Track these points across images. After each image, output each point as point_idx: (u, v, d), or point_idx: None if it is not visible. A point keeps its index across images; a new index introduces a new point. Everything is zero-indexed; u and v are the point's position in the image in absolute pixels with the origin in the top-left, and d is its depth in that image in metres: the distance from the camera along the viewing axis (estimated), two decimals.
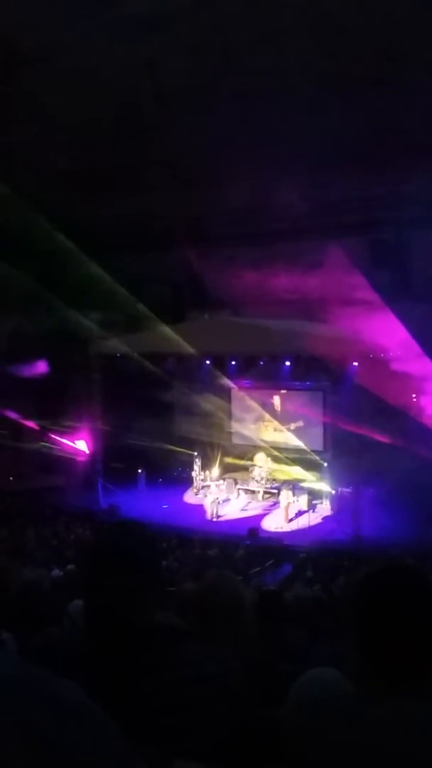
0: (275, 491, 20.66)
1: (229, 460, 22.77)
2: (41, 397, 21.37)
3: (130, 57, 14.44)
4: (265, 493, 21.04)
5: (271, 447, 21.90)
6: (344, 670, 1.67)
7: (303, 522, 19.03)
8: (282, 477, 21.20)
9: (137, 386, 21.34)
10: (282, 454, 21.53)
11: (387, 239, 20.29)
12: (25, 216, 17.11)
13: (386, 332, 17.49)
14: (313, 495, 20.01)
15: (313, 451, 21.08)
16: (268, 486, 21.11)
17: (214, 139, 16.95)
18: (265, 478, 21.21)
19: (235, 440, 23.24)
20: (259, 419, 22.66)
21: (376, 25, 13.56)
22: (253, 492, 21.34)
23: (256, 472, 21.43)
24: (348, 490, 19.13)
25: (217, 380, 21.96)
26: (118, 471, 21.62)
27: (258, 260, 20.59)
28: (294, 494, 19.68)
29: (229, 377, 21.87)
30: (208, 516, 19.96)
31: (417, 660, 1.54)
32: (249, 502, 21.12)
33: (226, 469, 22.59)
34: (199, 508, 20.67)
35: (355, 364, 18.37)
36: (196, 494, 22.14)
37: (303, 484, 20.43)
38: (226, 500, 21.06)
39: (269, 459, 21.60)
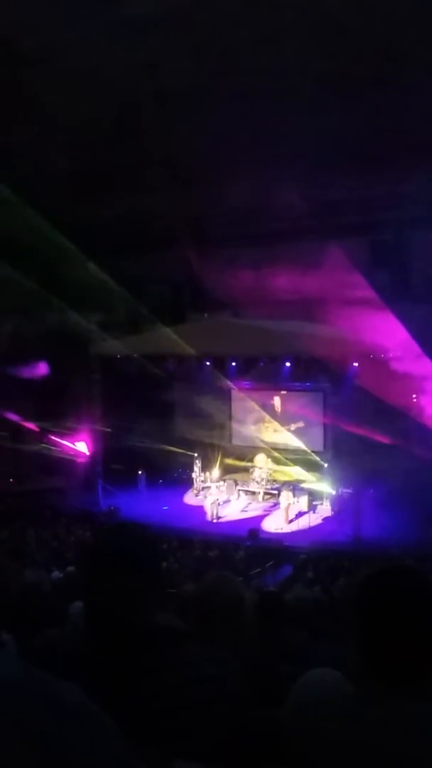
0: (275, 492, 20.66)
1: (229, 461, 22.77)
2: (41, 398, 21.37)
3: (130, 57, 14.45)
4: (266, 494, 21.04)
5: (272, 448, 21.91)
6: (344, 671, 1.66)
7: (303, 523, 19.03)
8: (282, 478, 21.20)
9: (137, 387, 21.34)
10: (282, 455, 21.53)
11: (387, 240, 20.30)
12: (25, 216, 17.12)
13: (386, 333, 17.49)
14: (314, 496, 20.00)
15: (314, 452, 21.09)
16: (269, 487, 21.10)
17: (214, 139, 16.95)
18: (265, 479, 21.21)
19: (236, 441, 23.25)
20: (260, 420, 22.67)
21: (376, 25, 13.55)
22: (253, 493, 21.35)
23: (257, 473, 21.44)
24: (348, 491, 19.15)
25: (218, 381, 21.97)
26: (119, 472, 21.62)
27: (258, 261, 20.62)
28: (294, 495, 19.68)
29: (230, 378, 21.87)
30: (209, 517, 19.95)
31: (417, 661, 1.54)
32: (249, 503, 21.12)
33: (227, 471, 22.59)
34: (200, 510, 20.67)
35: (356, 364, 18.39)
36: (197, 495, 22.14)
37: (303, 485, 20.43)
38: (227, 501, 21.06)
39: (269, 460, 21.61)
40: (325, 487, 20.07)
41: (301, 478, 20.78)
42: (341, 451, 19.50)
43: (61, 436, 22.94)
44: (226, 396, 23.13)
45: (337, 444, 20.04)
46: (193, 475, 22.59)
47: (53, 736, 0.89)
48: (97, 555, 1.72)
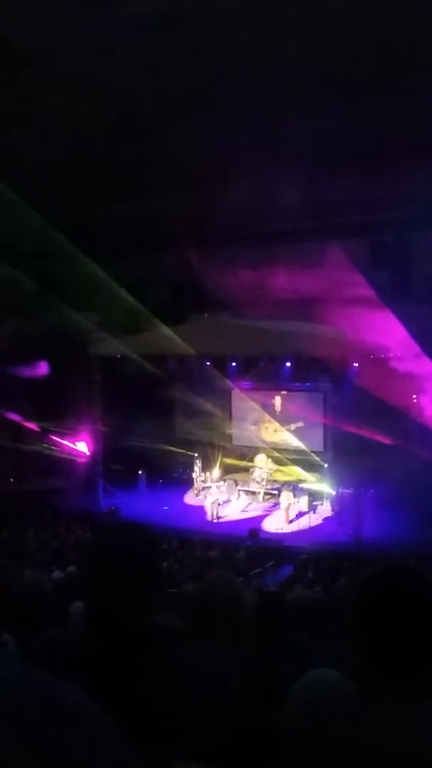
0: (276, 492, 20.66)
1: (229, 461, 22.77)
2: (42, 398, 21.35)
3: (131, 57, 14.46)
4: (266, 494, 21.04)
5: (272, 448, 21.90)
6: (344, 671, 1.67)
7: (303, 523, 19.03)
8: (282, 478, 21.20)
9: (138, 387, 21.33)
10: (282, 456, 21.52)
11: (387, 240, 20.31)
12: (25, 216, 17.11)
13: (386, 333, 17.50)
14: (314, 496, 20.00)
15: (314, 452, 21.08)
16: (269, 487, 21.10)
17: (214, 139, 16.97)
18: (265, 479, 21.21)
19: (236, 441, 23.24)
20: (260, 420, 22.66)
21: (376, 25, 13.56)
22: (253, 493, 21.35)
23: (257, 474, 21.44)
24: (348, 491, 19.15)
25: (218, 381, 21.96)
26: (119, 472, 21.62)
27: (258, 261, 20.63)
28: (294, 495, 19.68)
29: (230, 378, 21.88)
30: (209, 517, 19.95)
31: (417, 661, 1.54)
32: (249, 504, 21.13)
33: (227, 471, 22.60)
34: (200, 510, 20.67)
35: (356, 365, 18.39)
36: (197, 495, 22.14)
37: (303, 485, 20.43)
38: (227, 501, 21.06)
39: (270, 460, 21.61)
40: (326, 487, 20.07)
41: (302, 478, 20.78)
42: (341, 451, 19.50)
43: (62, 436, 22.94)
44: (226, 396, 23.12)
45: (338, 444, 20.04)
46: (194, 475, 22.59)
47: (53, 736, 0.89)
48: (98, 555, 1.72)
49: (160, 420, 22.26)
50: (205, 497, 20.99)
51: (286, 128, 16.33)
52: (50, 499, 21.36)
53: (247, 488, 21.60)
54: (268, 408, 22.41)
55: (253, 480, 21.47)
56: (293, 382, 21.34)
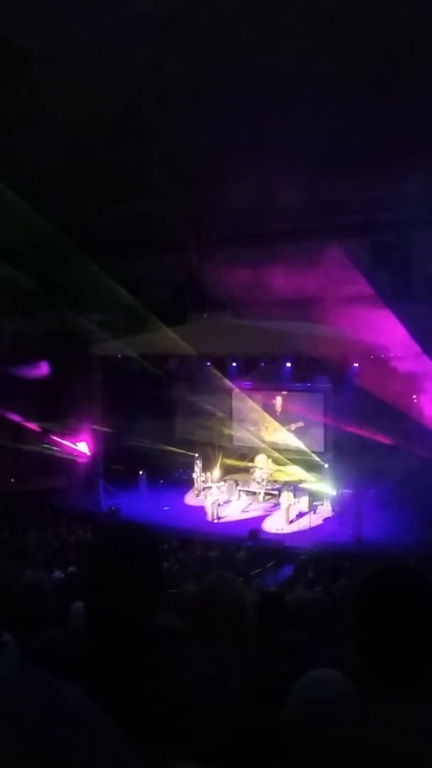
0: (276, 493, 20.64)
1: (229, 461, 22.75)
2: (42, 398, 21.36)
3: (131, 58, 14.47)
4: (266, 494, 21.02)
5: (272, 448, 21.89)
6: (345, 671, 1.66)
7: (304, 523, 19.01)
8: (283, 478, 21.18)
9: (138, 388, 21.33)
10: (283, 456, 21.51)
11: (387, 240, 20.31)
12: (26, 217, 17.12)
13: (387, 333, 17.50)
14: (314, 496, 19.98)
15: (314, 452, 21.07)
16: (269, 487, 21.08)
17: (214, 139, 16.97)
18: (265, 479, 21.19)
19: (236, 442, 23.23)
20: (260, 421, 22.65)
21: (376, 25, 13.57)
22: (253, 493, 21.33)
23: (257, 474, 21.42)
24: (349, 491, 19.13)
25: (218, 382, 21.93)
26: (119, 473, 21.60)
27: (258, 261, 20.63)
28: (295, 496, 19.65)
29: (230, 378, 21.85)
30: (209, 517, 19.94)
31: (417, 661, 1.54)
32: (250, 504, 21.11)
33: (227, 471, 22.58)
34: (200, 510, 20.65)
35: (356, 365, 18.38)
36: (197, 496, 22.12)
37: (304, 486, 20.40)
38: (227, 502, 21.04)
39: (270, 460, 21.59)
40: (326, 487, 20.05)
41: (302, 478, 20.75)
42: (342, 451, 19.49)
43: (62, 436, 22.95)
44: (226, 396, 23.11)
45: (338, 444, 20.02)
46: (194, 475, 22.57)
47: (53, 736, 0.89)
48: (98, 555, 1.72)
49: (161, 420, 22.26)
50: (206, 497, 20.97)
51: (287, 128, 16.34)
52: (51, 499, 21.35)
53: (247, 488, 21.59)
54: (269, 408, 22.40)
55: (254, 480, 21.45)
56: (293, 382, 21.32)
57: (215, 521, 19.88)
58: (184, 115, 16.14)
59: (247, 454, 22.60)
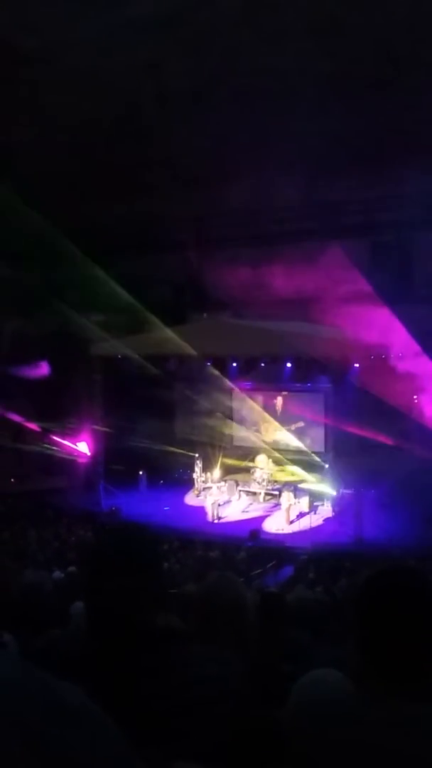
0: (276, 493, 20.61)
1: (230, 461, 22.73)
2: (43, 398, 21.36)
3: (131, 58, 14.48)
4: (267, 494, 21.01)
5: (273, 448, 21.88)
6: (346, 671, 1.66)
7: (304, 524, 19.00)
8: (283, 478, 21.17)
9: (138, 388, 21.32)
10: (283, 456, 21.50)
11: (388, 240, 20.31)
12: (26, 217, 17.11)
13: (387, 333, 17.49)
14: (315, 497, 19.96)
15: (315, 452, 21.06)
16: (270, 488, 21.06)
17: (214, 139, 16.97)
18: (266, 479, 21.17)
19: (236, 442, 23.22)
20: (260, 421, 22.64)
21: (376, 25, 13.58)
22: (254, 494, 21.31)
23: (258, 474, 21.40)
24: (349, 491, 19.11)
25: (218, 382, 21.92)
26: (120, 473, 21.59)
27: (258, 261, 20.62)
28: (295, 496, 19.63)
29: (230, 379, 21.82)
30: (209, 518, 19.92)
31: (418, 661, 1.53)
32: (250, 504, 21.10)
33: (227, 471, 22.56)
34: (200, 510, 20.63)
35: (356, 365, 18.37)
36: (197, 496, 22.10)
37: (304, 486, 20.39)
38: (227, 502, 21.02)
39: (270, 461, 21.58)
40: (326, 487, 20.04)
41: (302, 478, 20.74)
42: (342, 451, 19.48)
43: (63, 436, 22.94)
44: (226, 396, 23.10)
45: (338, 445, 20.01)
46: (194, 475, 22.55)
47: (54, 736, 0.89)
48: (99, 555, 1.72)
49: (161, 420, 22.25)
50: (206, 498, 20.95)
51: (286, 128, 16.34)
52: (51, 499, 21.35)
53: (247, 489, 21.57)
54: (269, 408, 22.39)
55: (254, 480, 21.43)
56: (294, 382, 21.29)
57: (216, 521, 19.86)
58: (184, 115, 16.15)
59: (248, 454, 22.57)
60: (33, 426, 22.42)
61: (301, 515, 19.37)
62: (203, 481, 22.30)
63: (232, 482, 21.85)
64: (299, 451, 21.36)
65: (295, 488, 20.07)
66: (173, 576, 12.22)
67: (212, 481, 22.03)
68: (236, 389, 22.70)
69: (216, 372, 21.40)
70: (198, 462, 22.58)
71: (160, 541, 2.27)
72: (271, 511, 20.24)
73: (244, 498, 21.41)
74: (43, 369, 21.68)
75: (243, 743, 1.55)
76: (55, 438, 22.89)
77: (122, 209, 20.35)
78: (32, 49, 13.94)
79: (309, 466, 20.90)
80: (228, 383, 22.06)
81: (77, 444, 23.04)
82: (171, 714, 1.48)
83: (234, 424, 23.23)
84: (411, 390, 18.55)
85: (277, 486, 20.93)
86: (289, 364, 20.55)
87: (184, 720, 1.48)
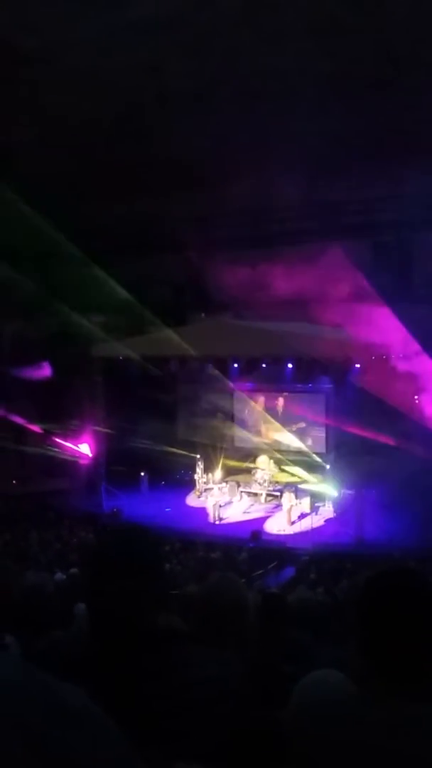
0: (278, 494, 20.61)
1: (231, 462, 22.73)
2: (44, 400, 21.37)
3: (132, 58, 14.48)
4: (268, 495, 21.00)
5: (274, 449, 21.88)
6: (347, 672, 1.66)
7: (306, 525, 18.97)
8: (284, 479, 21.17)
9: (139, 389, 21.32)
10: (284, 457, 21.50)
11: (388, 241, 20.31)
12: (26, 218, 17.11)
13: (388, 334, 17.49)
14: (316, 497, 19.96)
15: (316, 453, 21.06)
16: (271, 489, 21.06)
17: (215, 140, 16.97)
18: (267, 480, 21.17)
19: (238, 443, 23.21)
20: (262, 422, 22.64)
21: (376, 25, 13.57)
22: (255, 495, 21.31)
23: (259, 475, 21.40)
24: (351, 492, 19.11)
25: (220, 383, 21.92)
26: (121, 474, 21.59)
27: (259, 262, 20.61)
28: (296, 497, 19.62)
29: (231, 380, 21.82)
30: (211, 519, 19.92)
31: (419, 662, 1.53)
32: (251, 505, 21.09)
33: (229, 472, 22.56)
34: (202, 511, 20.64)
35: (357, 366, 18.37)
36: (199, 497, 22.10)
37: (305, 487, 20.38)
38: (229, 503, 21.02)
39: (272, 461, 21.58)
40: (328, 488, 20.03)
41: (304, 479, 20.75)
42: (343, 452, 19.47)
43: (64, 438, 22.95)
44: (228, 397, 23.10)
45: (340, 445, 20.00)
46: (196, 476, 22.55)
47: (55, 738, 0.89)
48: (100, 557, 1.72)
49: (162, 422, 22.25)
50: (207, 499, 20.96)
51: (287, 128, 16.34)
52: (53, 500, 21.36)
53: (249, 490, 21.56)
54: (270, 409, 22.39)
55: (255, 481, 21.43)
56: (295, 383, 21.28)
57: (217, 522, 19.86)
58: (184, 115, 16.15)
59: (249, 455, 22.58)
60: (35, 428, 22.42)
61: (302, 516, 19.36)
62: (204, 482, 22.30)
63: (234, 483, 21.84)
64: (300, 452, 21.36)
65: (296, 489, 20.06)
66: (175, 577, 12.22)
67: (213, 482, 22.03)
68: (237, 390, 22.70)
69: (217, 373, 21.41)
70: (199, 463, 22.57)
71: (161, 542, 2.27)
72: (273, 512, 20.24)
73: (246, 499, 21.41)
74: (45, 370, 21.68)
75: (244, 744, 1.55)
76: (56, 440, 22.89)
77: (122, 209, 20.35)
78: (32, 49, 13.94)
79: (310, 467, 20.90)
80: (229, 384, 22.06)
81: (79, 445, 23.04)
82: (172, 715, 1.48)
83: (235, 425, 23.22)
84: (412, 390, 18.54)
85: (279, 487, 20.93)
86: (290, 365, 20.54)
87: (185, 721, 1.48)
